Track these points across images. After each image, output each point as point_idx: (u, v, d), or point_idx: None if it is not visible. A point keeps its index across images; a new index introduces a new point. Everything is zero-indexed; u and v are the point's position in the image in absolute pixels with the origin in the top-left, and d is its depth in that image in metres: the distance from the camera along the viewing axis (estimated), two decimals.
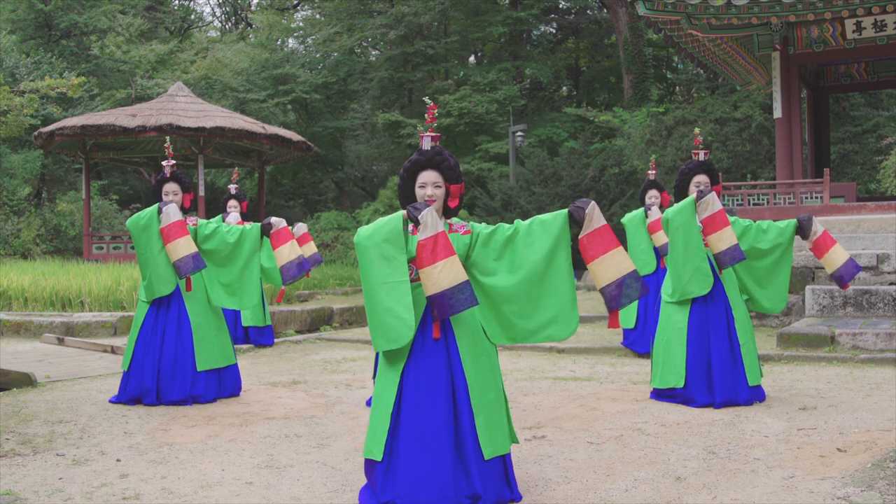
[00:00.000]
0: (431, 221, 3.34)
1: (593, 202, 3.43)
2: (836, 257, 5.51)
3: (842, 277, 5.53)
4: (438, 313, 3.34)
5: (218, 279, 5.88)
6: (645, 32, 20.90)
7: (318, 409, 5.52)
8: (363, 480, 3.71)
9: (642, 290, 3.39)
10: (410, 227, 3.49)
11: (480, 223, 3.70)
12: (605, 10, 24.63)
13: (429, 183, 3.55)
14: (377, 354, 3.66)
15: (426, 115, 3.70)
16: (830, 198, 11.38)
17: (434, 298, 3.33)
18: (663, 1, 11.19)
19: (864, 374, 6.42)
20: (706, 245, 5.46)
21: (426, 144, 3.60)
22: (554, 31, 28.79)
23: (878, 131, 18.78)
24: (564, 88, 29.38)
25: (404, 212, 3.43)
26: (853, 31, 11.57)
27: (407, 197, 3.63)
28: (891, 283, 8.82)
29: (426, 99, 3.86)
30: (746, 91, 16.17)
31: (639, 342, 7.76)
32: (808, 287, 8.56)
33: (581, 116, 21.77)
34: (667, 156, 15.97)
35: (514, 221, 3.60)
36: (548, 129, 22.41)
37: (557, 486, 3.78)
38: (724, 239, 5.33)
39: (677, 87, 26.23)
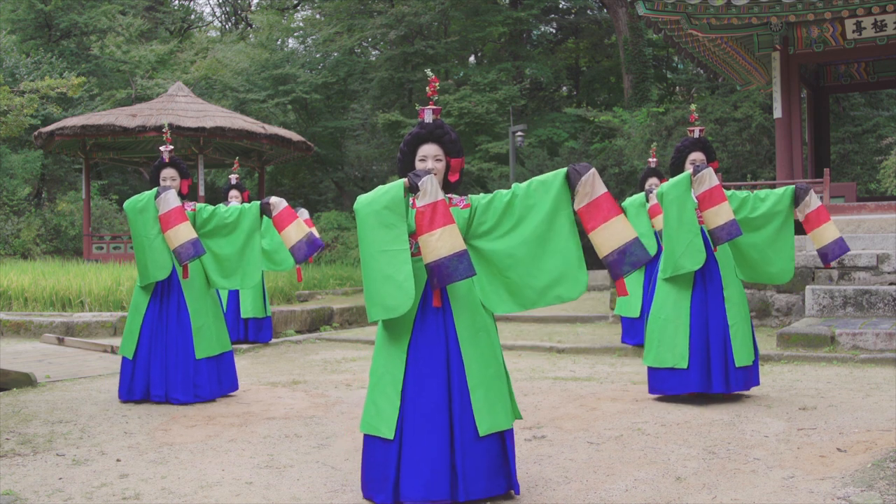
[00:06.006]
0: (431, 188, 3.29)
1: (593, 170, 3.37)
2: (828, 234, 5.42)
3: (827, 255, 5.45)
4: (437, 282, 3.30)
5: (218, 258, 5.81)
6: (645, 32, 20.87)
7: (318, 409, 5.52)
8: None
9: (644, 255, 3.34)
10: (411, 200, 3.44)
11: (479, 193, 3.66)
12: (605, 10, 24.60)
13: (429, 156, 3.51)
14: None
15: (427, 89, 3.66)
16: (830, 198, 11.37)
17: (432, 266, 3.28)
18: (663, 1, 11.18)
19: (864, 374, 6.42)
20: (701, 221, 5.41)
21: (428, 117, 3.55)
22: (554, 31, 28.76)
23: (878, 131, 18.79)
24: (564, 88, 29.35)
25: (405, 180, 3.38)
26: (853, 32, 11.57)
27: (406, 172, 3.56)
28: (891, 283, 8.82)
29: (428, 71, 3.83)
30: (746, 91, 16.16)
31: (632, 333, 7.79)
32: (808, 287, 8.55)
33: (581, 116, 21.75)
34: (667, 156, 15.91)
35: (512, 186, 3.55)
36: (548, 130, 22.38)
37: (557, 486, 3.78)
38: (721, 214, 5.26)
39: (677, 87, 26.21)
